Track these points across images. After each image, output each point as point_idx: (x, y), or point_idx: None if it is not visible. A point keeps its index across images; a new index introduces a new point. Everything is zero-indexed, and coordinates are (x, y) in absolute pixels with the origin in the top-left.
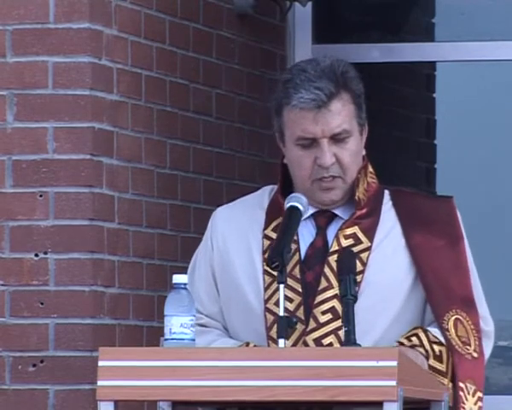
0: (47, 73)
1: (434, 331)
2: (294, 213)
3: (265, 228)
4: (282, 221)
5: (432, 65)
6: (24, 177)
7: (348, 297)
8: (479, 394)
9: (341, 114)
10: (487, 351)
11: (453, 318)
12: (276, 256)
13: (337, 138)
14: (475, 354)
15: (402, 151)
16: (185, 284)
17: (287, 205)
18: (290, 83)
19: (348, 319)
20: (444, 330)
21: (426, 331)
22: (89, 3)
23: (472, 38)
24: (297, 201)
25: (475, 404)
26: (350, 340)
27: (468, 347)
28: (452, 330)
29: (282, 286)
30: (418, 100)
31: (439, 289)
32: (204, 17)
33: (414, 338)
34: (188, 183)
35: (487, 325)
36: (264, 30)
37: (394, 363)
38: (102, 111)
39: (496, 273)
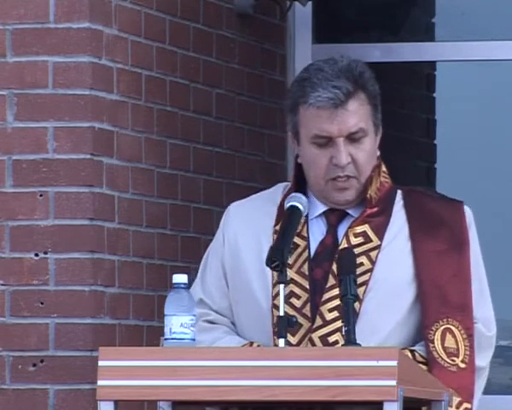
0: (47, 72)
1: (421, 351)
2: (294, 212)
3: (276, 224)
4: (282, 221)
5: (432, 65)
6: (24, 177)
7: (348, 297)
8: (465, 405)
9: (358, 114)
10: (486, 359)
11: (442, 328)
12: (276, 256)
13: (353, 138)
14: (462, 365)
15: (402, 151)
16: (185, 284)
17: (287, 205)
18: (307, 81)
19: (348, 318)
20: (428, 342)
21: (413, 352)
22: (89, 3)
23: (472, 38)
24: (297, 200)
25: None
26: (350, 340)
27: (454, 358)
28: (438, 342)
29: (282, 286)
30: (418, 100)
31: (434, 296)
32: (204, 17)
33: None
34: (188, 183)
35: (489, 330)
36: (264, 30)
37: (394, 363)
38: (102, 111)
39: (495, 273)
